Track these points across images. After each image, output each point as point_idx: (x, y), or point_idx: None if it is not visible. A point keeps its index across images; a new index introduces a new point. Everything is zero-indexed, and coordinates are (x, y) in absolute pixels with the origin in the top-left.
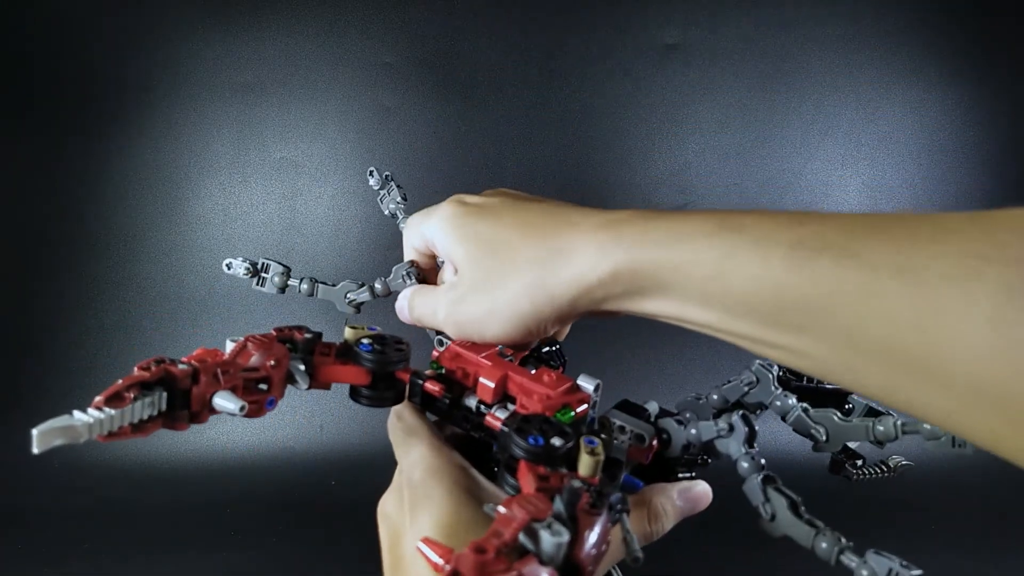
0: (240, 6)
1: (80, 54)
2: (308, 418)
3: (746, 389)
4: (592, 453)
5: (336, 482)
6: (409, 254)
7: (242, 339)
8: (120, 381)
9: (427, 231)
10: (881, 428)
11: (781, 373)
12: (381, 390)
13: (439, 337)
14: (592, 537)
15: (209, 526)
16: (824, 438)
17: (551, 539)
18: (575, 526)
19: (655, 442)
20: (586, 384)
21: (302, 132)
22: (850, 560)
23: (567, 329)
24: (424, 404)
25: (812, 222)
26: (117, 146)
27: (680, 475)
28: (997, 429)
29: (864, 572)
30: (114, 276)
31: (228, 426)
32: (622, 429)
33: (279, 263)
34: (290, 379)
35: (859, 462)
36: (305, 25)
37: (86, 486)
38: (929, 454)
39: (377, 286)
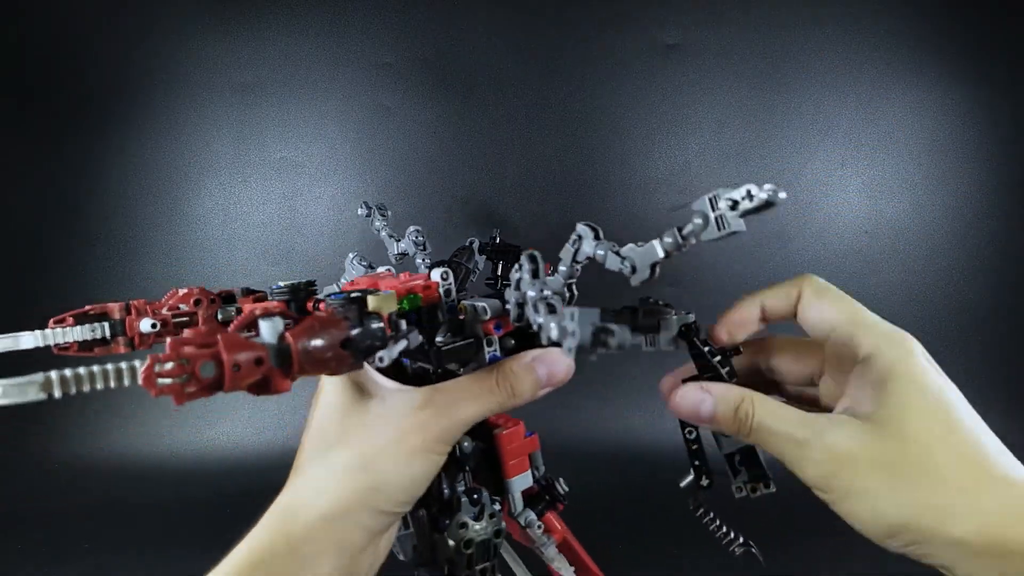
0: (240, 6)
1: (80, 54)
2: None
3: (572, 249)
4: (376, 295)
5: None
6: (818, 313)
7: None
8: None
9: (893, 349)
10: (669, 240)
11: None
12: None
13: None
14: (314, 336)
15: (209, 525)
16: (631, 268)
17: (265, 324)
18: (299, 320)
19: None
20: (434, 274)
21: (302, 132)
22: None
23: None
24: None
25: None
26: (117, 146)
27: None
28: None
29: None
30: (114, 276)
31: (229, 426)
32: (473, 308)
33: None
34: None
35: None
36: (305, 25)
37: (86, 486)
38: None
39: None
